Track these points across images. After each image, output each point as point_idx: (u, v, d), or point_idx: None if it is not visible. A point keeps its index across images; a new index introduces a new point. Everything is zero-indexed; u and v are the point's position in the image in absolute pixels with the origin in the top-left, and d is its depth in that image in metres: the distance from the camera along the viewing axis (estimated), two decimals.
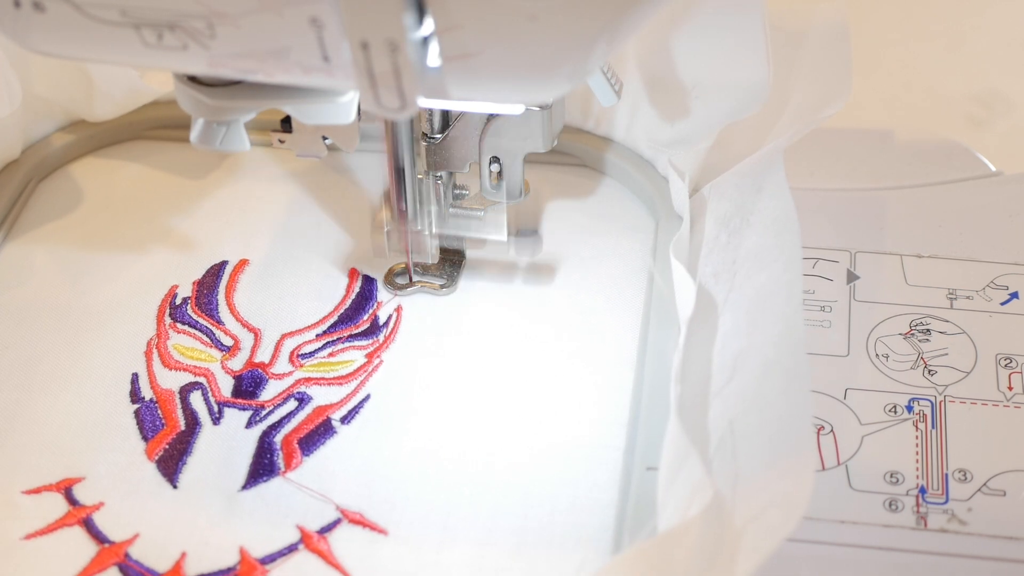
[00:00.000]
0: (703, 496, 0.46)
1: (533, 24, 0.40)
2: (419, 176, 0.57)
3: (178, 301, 0.60)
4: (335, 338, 0.59)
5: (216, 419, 0.56)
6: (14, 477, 0.53)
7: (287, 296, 0.61)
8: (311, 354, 0.58)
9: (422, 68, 0.42)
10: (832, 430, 0.54)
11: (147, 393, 0.57)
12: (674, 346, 0.55)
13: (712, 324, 0.55)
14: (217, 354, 0.58)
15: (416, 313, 0.60)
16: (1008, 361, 0.57)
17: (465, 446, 0.54)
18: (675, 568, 0.45)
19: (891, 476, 0.53)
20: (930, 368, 0.57)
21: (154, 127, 0.69)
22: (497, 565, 0.50)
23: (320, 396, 0.56)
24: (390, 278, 0.61)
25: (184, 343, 0.59)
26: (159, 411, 0.56)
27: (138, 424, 0.55)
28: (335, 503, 0.53)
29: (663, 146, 0.63)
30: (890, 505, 0.52)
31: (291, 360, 0.58)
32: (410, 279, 0.61)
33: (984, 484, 0.52)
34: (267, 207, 0.65)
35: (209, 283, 0.61)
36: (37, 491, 0.53)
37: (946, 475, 0.53)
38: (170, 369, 0.58)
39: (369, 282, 0.61)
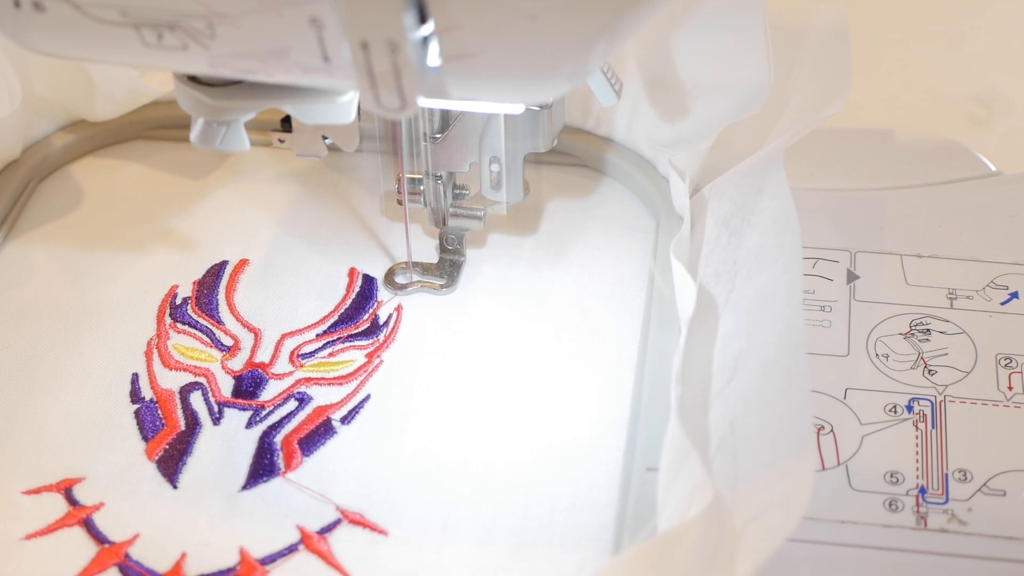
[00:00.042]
0: (703, 496, 0.46)
1: (533, 24, 0.40)
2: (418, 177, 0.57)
3: (178, 301, 0.60)
4: (335, 338, 0.59)
5: (216, 419, 0.56)
6: (14, 477, 0.53)
7: (287, 296, 0.61)
8: (311, 354, 0.58)
9: (422, 68, 0.42)
10: (832, 430, 0.54)
11: (147, 393, 0.57)
12: (674, 346, 0.55)
13: (713, 324, 0.55)
14: (217, 354, 0.58)
15: (416, 313, 0.60)
16: (1008, 361, 0.57)
17: (465, 446, 0.54)
18: (675, 568, 0.45)
19: (891, 476, 0.53)
20: (930, 368, 0.57)
21: (154, 127, 0.69)
22: (497, 565, 0.50)
23: (320, 396, 0.56)
24: (390, 278, 0.61)
25: (184, 343, 0.59)
26: (159, 411, 0.56)
27: (138, 424, 0.55)
28: (335, 503, 0.53)
29: (663, 146, 0.63)
30: (890, 505, 0.52)
31: (291, 360, 0.58)
32: (411, 278, 0.61)
33: (984, 484, 0.52)
34: (267, 207, 0.65)
35: (209, 283, 0.61)
36: (37, 491, 0.53)
37: (946, 475, 0.53)
38: (170, 369, 0.58)
39: (369, 282, 0.61)
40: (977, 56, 0.76)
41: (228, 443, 0.55)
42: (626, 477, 0.53)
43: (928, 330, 0.58)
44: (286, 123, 0.57)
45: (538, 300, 0.60)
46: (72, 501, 0.53)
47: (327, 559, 0.51)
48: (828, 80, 0.61)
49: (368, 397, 0.56)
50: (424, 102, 0.44)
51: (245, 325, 0.59)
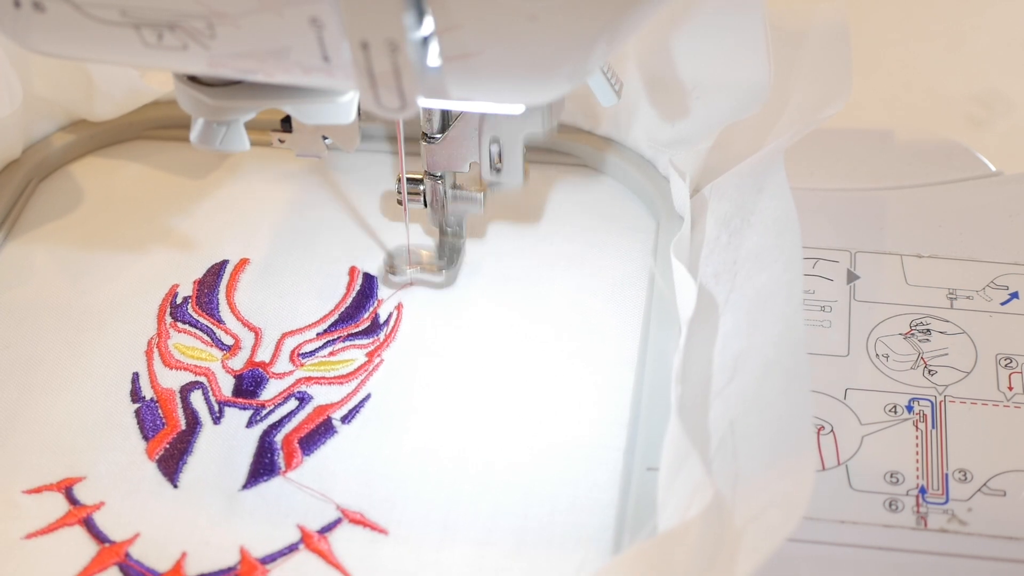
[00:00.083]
0: (703, 496, 0.46)
1: (533, 24, 0.40)
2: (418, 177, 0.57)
3: (179, 300, 0.61)
4: (335, 337, 0.59)
5: (217, 418, 0.56)
6: (15, 477, 0.53)
7: (288, 295, 0.61)
8: (311, 353, 0.58)
9: (422, 68, 0.42)
10: (832, 430, 0.54)
11: (148, 392, 0.57)
12: (674, 346, 0.56)
13: (713, 324, 0.55)
14: (218, 353, 0.58)
15: (416, 312, 0.60)
16: (1008, 361, 0.57)
17: (465, 446, 0.54)
18: (675, 568, 0.45)
19: (891, 476, 0.53)
20: (930, 368, 0.57)
21: (154, 127, 0.69)
22: (497, 565, 0.50)
23: (320, 395, 0.56)
24: (389, 263, 0.61)
25: (185, 342, 0.59)
26: (160, 410, 0.56)
27: (139, 423, 0.55)
28: (335, 503, 0.53)
29: (663, 146, 0.63)
30: (890, 505, 0.52)
31: (292, 359, 0.58)
32: (409, 261, 0.61)
33: (984, 484, 0.52)
34: (267, 207, 0.65)
35: (210, 282, 0.61)
36: (38, 491, 0.53)
37: (946, 475, 0.53)
38: (171, 368, 0.58)
39: (369, 281, 0.61)
40: (977, 56, 0.76)
41: (228, 442, 0.55)
42: (626, 477, 0.53)
43: (928, 330, 0.58)
44: (286, 123, 0.57)
45: (538, 300, 0.60)
46: (72, 500, 0.53)
47: (327, 558, 0.51)
48: (828, 80, 0.61)
49: (368, 396, 0.56)
50: (424, 102, 0.44)
51: (245, 324, 0.59)
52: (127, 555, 0.51)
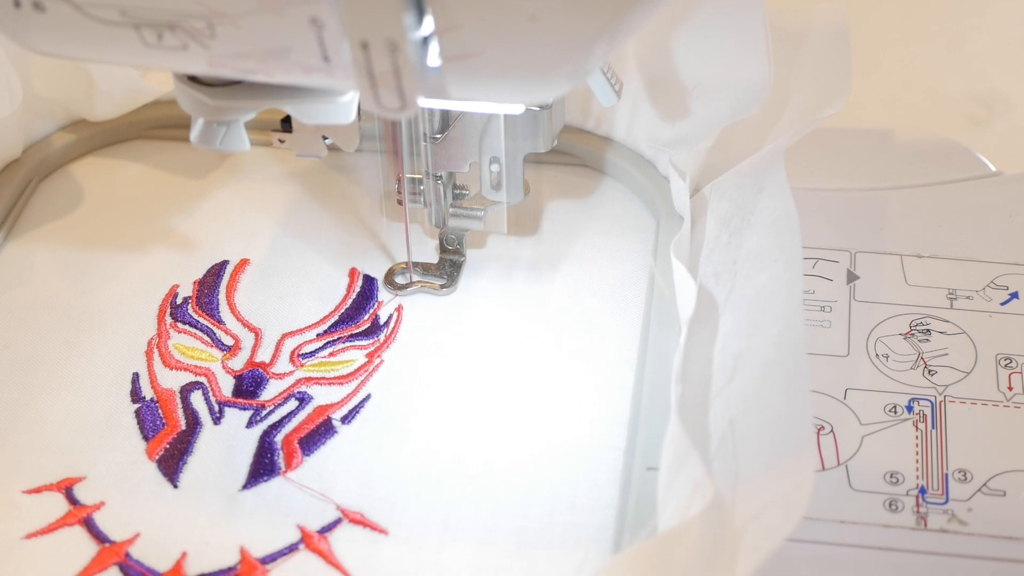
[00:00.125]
0: (703, 496, 0.46)
1: (533, 24, 0.40)
2: (418, 177, 0.57)
3: (179, 301, 0.61)
4: (336, 338, 0.59)
5: (217, 419, 0.56)
6: (14, 477, 0.53)
7: (288, 296, 0.61)
8: (312, 354, 0.58)
9: (422, 68, 0.42)
10: (832, 430, 0.54)
11: (148, 393, 0.57)
12: (675, 346, 0.56)
13: (713, 324, 0.55)
14: (218, 354, 0.58)
15: (416, 313, 0.60)
16: (1008, 361, 0.57)
17: (465, 446, 0.54)
18: (675, 568, 0.45)
19: (891, 476, 0.53)
20: (930, 368, 0.57)
21: (154, 127, 0.69)
22: (497, 565, 0.50)
23: (321, 396, 0.56)
24: (390, 278, 0.61)
25: (185, 343, 0.59)
26: (160, 411, 0.56)
27: (139, 424, 0.55)
28: (335, 503, 0.53)
29: (663, 146, 0.63)
30: (890, 505, 0.52)
31: (292, 360, 0.58)
32: (410, 279, 0.61)
33: (984, 484, 0.52)
34: (267, 207, 0.65)
35: (210, 283, 0.61)
36: (38, 491, 0.53)
37: (946, 475, 0.53)
38: (171, 369, 0.58)
39: (369, 282, 0.61)
40: (977, 56, 0.76)
41: (228, 442, 0.55)
42: (626, 477, 0.53)
43: (928, 330, 0.58)
44: (286, 123, 0.57)
45: (538, 300, 0.60)
46: (73, 500, 0.53)
47: (327, 558, 0.51)
48: (828, 80, 0.61)
49: (368, 397, 0.56)
50: (424, 102, 0.44)
51: (246, 325, 0.59)
52: (127, 555, 0.51)
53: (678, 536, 0.45)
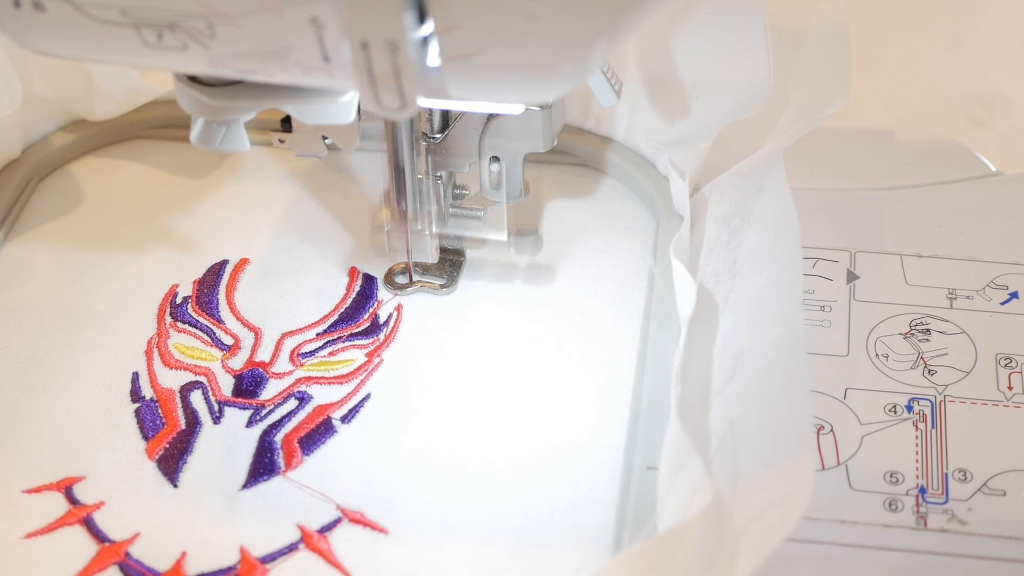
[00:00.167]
0: (703, 496, 0.46)
1: (533, 24, 0.40)
2: (419, 176, 0.57)
3: (179, 300, 0.61)
4: (335, 337, 0.59)
5: (216, 418, 0.56)
6: (14, 476, 0.53)
7: (287, 295, 0.61)
8: (311, 353, 0.58)
9: (422, 68, 0.42)
10: (832, 430, 0.54)
11: (147, 392, 0.57)
12: (674, 346, 0.56)
13: (712, 324, 0.55)
14: (218, 353, 0.58)
15: (416, 313, 0.60)
16: (1008, 361, 0.57)
17: (465, 446, 0.54)
18: (675, 568, 0.45)
19: (891, 476, 0.53)
20: (930, 368, 0.57)
21: (154, 127, 0.69)
22: (497, 565, 0.50)
23: (320, 395, 0.56)
24: (390, 278, 0.61)
25: (185, 342, 0.59)
26: (159, 410, 0.56)
27: (138, 423, 0.55)
28: (335, 502, 0.53)
29: (663, 146, 0.63)
30: (890, 505, 0.52)
31: (291, 359, 0.58)
32: (410, 279, 0.61)
33: (984, 484, 0.52)
34: (267, 207, 0.65)
35: (210, 282, 0.61)
36: (37, 490, 0.53)
37: (946, 475, 0.53)
38: (170, 368, 0.58)
39: (369, 281, 0.61)
40: (977, 56, 0.76)
41: (228, 442, 0.55)
42: (626, 477, 0.53)
43: (928, 330, 0.58)
44: (286, 123, 0.57)
45: (538, 300, 0.60)
46: (72, 500, 0.53)
47: (327, 558, 0.51)
48: (828, 80, 0.61)
49: (368, 396, 0.56)
50: (424, 102, 0.44)
51: (245, 324, 0.59)
52: (127, 555, 0.51)
53: (678, 536, 0.45)
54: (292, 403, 0.56)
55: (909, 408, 0.55)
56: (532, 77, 0.42)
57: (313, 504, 0.52)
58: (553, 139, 0.57)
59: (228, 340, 0.59)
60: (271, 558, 0.51)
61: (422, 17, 0.40)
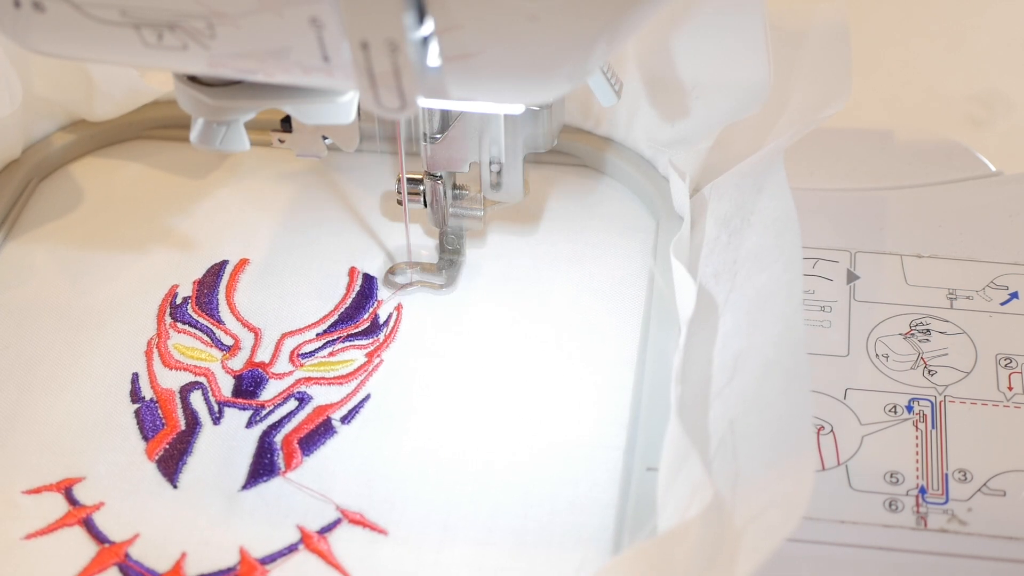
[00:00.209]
0: (703, 496, 0.46)
1: (533, 24, 0.40)
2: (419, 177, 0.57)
3: (178, 301, 0.60)
4: (335, 337, 0.59)
5: (216, 419, 0.56)
6: (14, 477, 0.53)
7: (287, 295, 0.61)
8: (311, 353, 0.58)
9: (422, 68, 0.42)
10: (832, 430, 0.54)
11: (147, 393, 0.57)
12: (674, 346, 0.56)
13: (712, 324, 0.55)
14: (217, 354, 0.58)
15: (416, 313, 0.60)
16: (1008, 361, 0.57)
17: (465, 446, 0.54)
18: (675, 568, 0.45)
19: (891, 476, 0.53)
20: (930, 368, 0.57)
21: (154, 127, 0.69)
22: (497, 565, 0.50)
23: (320, 396, 0.56)
24: (390, 278, 0.61)
25: (184, 343, 0.59)
26: (159, 411, 0.56)
27: (138, 424, 0.55)
28: (335, 503, 0.53)
29: (663, 146, 0.63)
30: (890, 505, 0.52)
31: (291, 360, 0.58)
32: (410, 273, 0.61)
33: (984, 484, 0.52)
34: (267, 207, 0.65)
35: (209, 283, 0.61)
36: (37, 491, 0.53)
37: (946, 475, 0.53)
38: (170, 369, 0.58)
39: (369, 281, 0.61)
40: (977, 56, 0.76)
41: (228, 443, 0.55)
42: (626, 477, 0.53)
43: (928, 330, 0.58)
44: (286, 123, 0.57)
45: (538, 300, 0.60)
46: (72, 501, 0.53)
47: (327, 559, 0.51)
48: (828, 80, 0.61)
49: (368, 397, 0.56)
50: (424, 102, 0.44)
51: (245, 325, 0.59)
52: (127, 555, 0.51)
53: (678, 536, 0.45)
54: (292, 404, 0.56)
55: (909, 408, 0.55)
56: (532, 77, 0.42)
57: (313, 505, 0.52)
58: (553, 139, 0.57)
59: (228, 340, 0.59)
60: (271, 559, 0.51)
61: (422, 17, 0.40)
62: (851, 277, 0.61)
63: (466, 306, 0.60)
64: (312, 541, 0.51)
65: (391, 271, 0.61)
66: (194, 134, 0.51)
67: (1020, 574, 0.50)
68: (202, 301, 0.60)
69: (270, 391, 0.57)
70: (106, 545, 0.51)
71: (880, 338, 0.58)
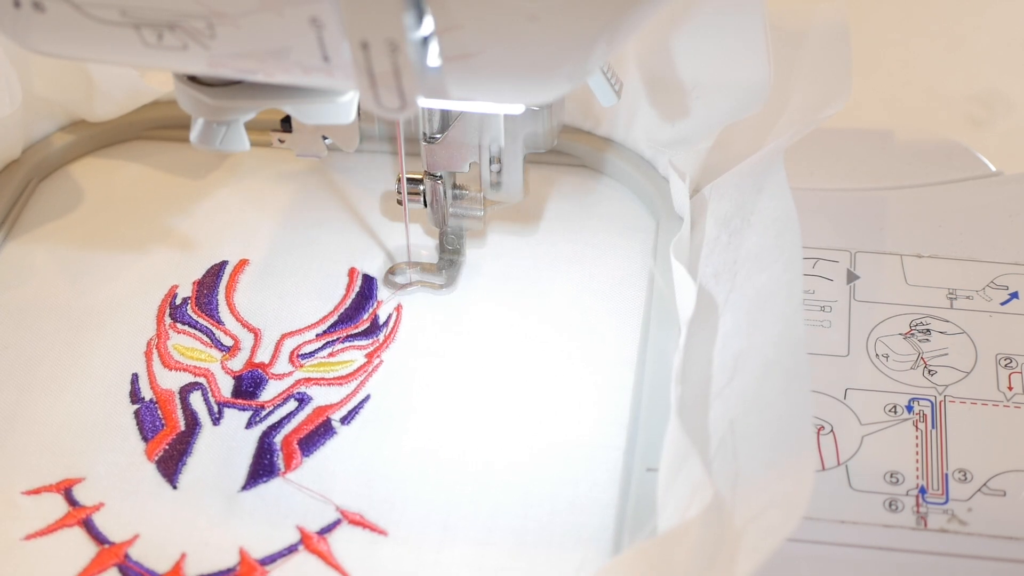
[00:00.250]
0: (703, 496, 0.46)
1: (533, 24, 0.40)
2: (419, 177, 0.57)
3: (178, 301, 0.60)
4: (335, 338, 0.59)
5: (216, 419, 0.56)
6: (14, 477, 0.53)
7: (287, 296, 0.61)
8: (311, 354, 0.58)
9: (422, 68, 0.42)
10: (832, 430, 0.54)
11: (147, 393, 0.57)
12: (674, 346, 0.55)
13: (712, 324, 0.55)
14: (217, 354, 0.58)
15: (416, 313, 0.60)
16: (1008, 361, 0.57)
17: (465, 446, 0.54)
18: (675, 568, 0.45)
19: (891, 476, 0.53)
20: (930, 368, 0.57)
21: (154, 127, 0.69)
22: (497, 565, 0.50)
23: (320, 396, 0.56)
24: (390, 278, 0.61)
25: (184, 343, 0.59)
26: (159, 411, 0.56)
27: (138, 424, 0.55)
28: (335, 503, 0.53)
29: (663, 146, 0.63)
30: (890, 505, 0.52)
31: (291, 360, 0.58)
32: (410, 273, 0.61)
33: (984, 484, 0.52)
34: (267, 207, 0.65)
35: (209, 283, 0.61)
36: (37, 491, 0.53)
37: (946, 475, 0.53)
38: (170, 369, 0.58)
39: (369, 281, 0.61)
40: (977, 56, 0.76)
41: (228, 443, 0.55)
42: (626, 477, 0.53)
43: (928, 330, 0.58)
44: (286, 123, 0.57)
45: (538, 300, 0.60)
46: (72, 501, 0.53)
47: (327, 559, 0.51)
48: (828, 80, 0.61)
49: (368, 397, 0.56)
50: (424, 102, 0.44)
51: (245, 325, 0.59)
52: (126, 556, 0.51)
53: (678, 536, 0.45)
54: (292, 404, 0.56)
55: (909, 408, 0.55)
56: (532, 77, 0.42)
57: (313, 505, 0.52)
58: (553, 139, 0.57)
59: (228, 341, 0.59)
60: (271, 559, 0.51)
61: (422, 17, 0.40)
62: (851, 277, 0.61)
63: (466, 306, 0.60)
64: (312, 542, 0.51)
65: (391, 271, 0.61)
66: (194, 134, 0.51)
67: (1020, 574, 0.50)
68: (202, 302, 0.60)
69: (270, 392, 0.57)
70: (106, 546, 0.51)
71: (880, 338, 0.58)
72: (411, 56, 0.41)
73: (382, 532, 0.52)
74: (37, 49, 0.45)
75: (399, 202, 0.60)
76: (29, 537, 0.51)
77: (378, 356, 0.58)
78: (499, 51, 0.41)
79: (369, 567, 0.51)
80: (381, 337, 0.59)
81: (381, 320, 0.60)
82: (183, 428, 0.55)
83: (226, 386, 0.57)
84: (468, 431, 0.55)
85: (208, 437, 0.55)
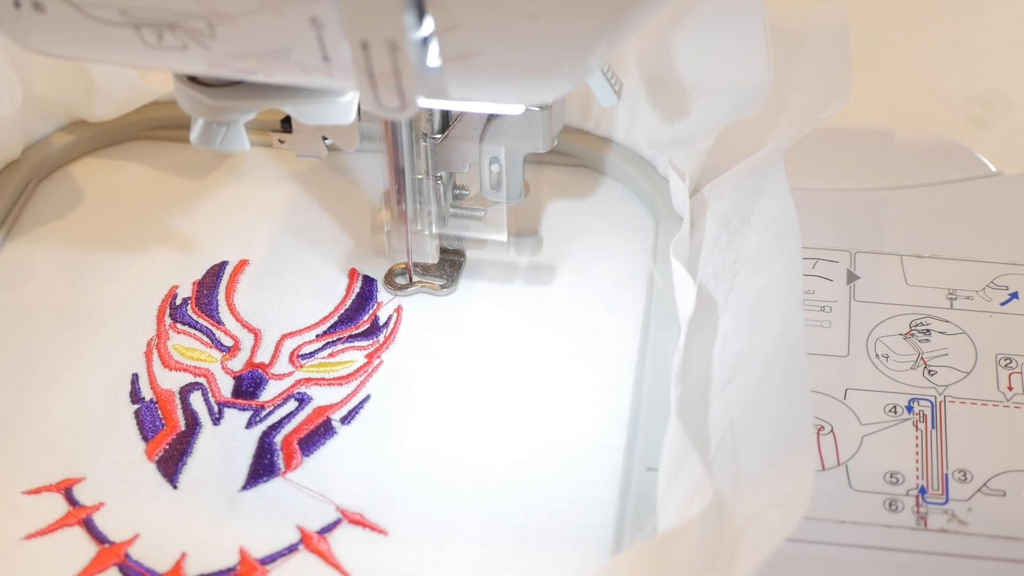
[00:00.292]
0: (703, 496, 0.46)
1: (533, 24, 0.40)
2: (419, 176, 0.57)
3: (178, 301, 0.60)
4: (335, 338, 0.59)
5: (216, 419, 0.56)
6: (14, 477, 0.53)
7: (287, 296, 0.61)
8: (311, 354, 0.58)
9: (422, 68, 0.42)
10: (832, 430, 0.54)
11: (147, 393, 0.57)
12: (674, 346, 0.55)
13: (712, 324, 0.55)
14: (217, 354, 0.58)
15: (416, 313, 0.60)
16: (1008, 361, 0.57)
17: (465, 446, 0.54)
18: (675, 568, 0.45)
19: (891, 476, 0.53)
20: (930, 368, 0.57)
21: (154, 127, 0.69)
22: (497, 565, 0.50)
23: (320, 396, 0.56)
24: (390, 278, 0.61)
25: (184, 343, 0.59)
26: (159, 411, 0.56)
27: (138, 424, 0.55)
28: (335, 503, 0.53)
29: (663, 146, 0.63)
30: (890, 505, 0.52)
31: (291, 360, 0.58)
32: (410, 279, 0.61)
33: (984, 484, 0.52)
34: (267, 207, 0.65)
35: (209, 283, 0.61)
36: (37, 491, 0.53)
37: (946, 475, 0.53)
38: (170, 369, 0.58)
39: (369, 282, 0.61)
40: (977, 56, 0.76)
41: (228, 443, 0.55)
42: (626, 477, 0.53)
43: (928, 330, 0.58)
44: (286, 123, 0.57)
45: (538, 300, 0.60)
46: (72, 501, 0.53)
47: (327, 559, 0.51)
48: (828, 80, 0.61)
49: (368, 397, 0.56)
50: (424, 102, 0.44)
51: (245, 325, 0.59)
52: (127, 556, 0.51)
53: (678, 536, 0.45)
54: (292, 404, 0.56)
55: (909, 408, 0.55)
56: (532, 77, 0.42)
57: (313, 505, 0.52)
58: (553, 139, 0.57)
59: (228, 341, 0.59)
60: (271, 559, 0.51)
61: (422, 17, 0.40)
62: (851, 277, 0.61)
63: (466, 306, 0.60)
64: (312, 541, 0.51)
65: (391, 272, 0.61)
66: (194, 134, 0.51)
67: (1020, 574, 0.50)
68: (202, 302, 0.60)
69: (270, 392, 0.57)
70: (106, 545, 0.51)
71: (880, 338, 0.58)
72: (411, 56, 0.41)
73: (382, 532, 0.52)
74: (37, 49, 0.45)
75: (399, 202, 0.59)
76: (29, 537, 0.51)
77: (378, 356, 0.58)
78: (499, 51, 0.41)
79: (369, 567, 0.51)
80: (381, 338, 0.59)
81: (381, 321, 0.60)
82: (183, 428, 0.55)
83: (226, 386, 0.57)
84: (468, 431, 0.55)
85: (208, 437, 0.55)
